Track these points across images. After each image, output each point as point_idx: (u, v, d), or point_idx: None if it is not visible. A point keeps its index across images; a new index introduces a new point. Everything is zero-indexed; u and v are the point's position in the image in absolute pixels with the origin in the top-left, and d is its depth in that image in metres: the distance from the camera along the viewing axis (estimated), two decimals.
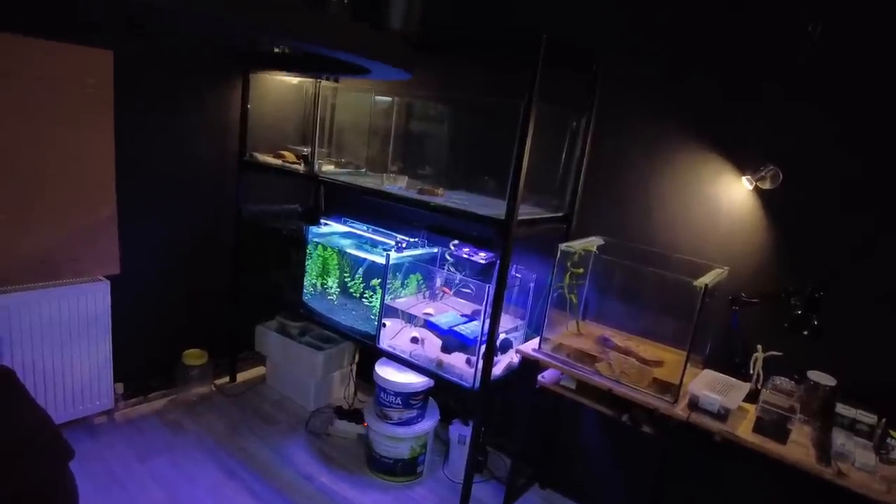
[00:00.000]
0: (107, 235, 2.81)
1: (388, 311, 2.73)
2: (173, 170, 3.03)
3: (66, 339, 2.64)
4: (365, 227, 3.19)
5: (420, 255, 2.87)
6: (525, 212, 2.29)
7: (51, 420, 1.86)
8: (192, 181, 3.13)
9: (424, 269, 2.90)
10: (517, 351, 2.41)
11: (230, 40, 2.36)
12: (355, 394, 3.35)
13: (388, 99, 3.17)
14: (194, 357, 3.22)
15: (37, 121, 2.46)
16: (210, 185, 3.21)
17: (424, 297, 2.95)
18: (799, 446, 1.84)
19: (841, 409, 1.92)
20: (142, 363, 3.13)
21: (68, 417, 2.72)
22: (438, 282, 2.93)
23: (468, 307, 2.85)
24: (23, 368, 2.48)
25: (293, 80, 3.26)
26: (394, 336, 2.72)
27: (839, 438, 1.82)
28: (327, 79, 3.27)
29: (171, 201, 3.06)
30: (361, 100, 3.26)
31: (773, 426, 1.86)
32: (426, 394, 2.76)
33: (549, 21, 2.62)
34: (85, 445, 2.71)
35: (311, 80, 2.94)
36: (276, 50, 2.42)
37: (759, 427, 1.88)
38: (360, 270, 2.91)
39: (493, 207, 2.32)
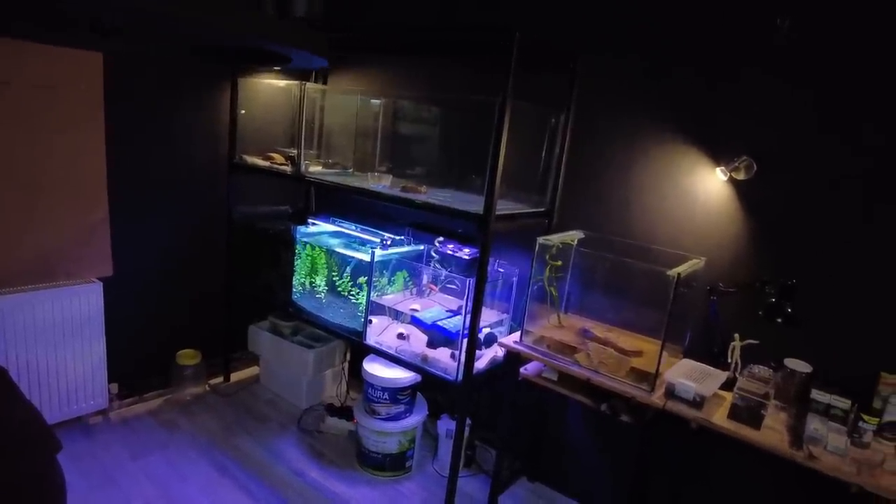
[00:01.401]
0: (99, 238, 2.87)
1: (375, 308, 2.77)
2: (165, 172, 3.09)
3: (60, 340, 2.69)
4: (353, 227, 3.24)
5: (406, 252, 2.91)
6: (505, 207, 2.33)
7: (40, 415, 1.90)
8: (184, 183, 3.19)
9: (411, 266, 2.94)
10: (499, 344, 2.44)
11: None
12: (347, 391, 3.39)
13: (376, 101, 3.22)
14: (188, 357, 3.27)
15: (28, 125, 2.52)
16: (202, 187, 3.27)
17: (411, 294, 2.99)
18: (773, 432, 1.87)
19: (816, 394, 1.93)
20: (136, 363, 3.18)
21: (63, 417, 2.77)
22: (425, 278, 2.96)
23: (454, 302, 2.88)
24: (17, 368, 2.54)
25: (280, 83, 3.32)
26: (381, 332, 2.76)
27: (813, 423, 1.84)
28: (315, 79, 3.34)
29: (163, 203, 3.12)
30: (348, 101, 3.31)
31: (748, 412, 1.89)
32: (413, 389, 2.79)
33: (527, 19, 2.67)
34: (79, 444, 2.76)
35: (298, 82, 2.99)
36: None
37: (734, 413, 1.91)
38: (348, 269, 2.95)
39: (477, 204, 2.35)
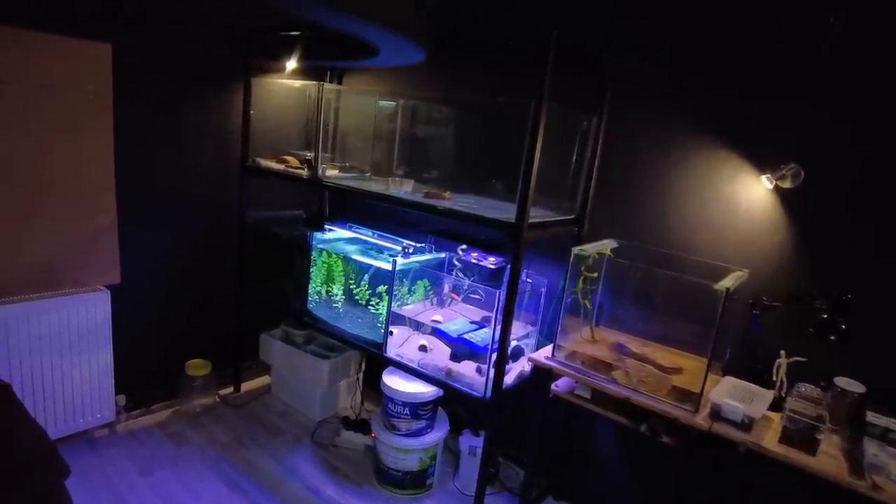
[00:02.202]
0: (107, 244, 2.75)
1: (395, 318, 2.66)
2: (175, 176, 2.98)
3: (66, 351, 2.58)
4: (370, 233, 3.12)
5: (427, 260, 2.79)
6: (536, 214, 2.21)
7: (47, 437, 1.78)
8: (194, 187, 3.08)
9: (432, 275, 2.83)
10: (529, 359, 2.32)
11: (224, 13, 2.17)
12: (362, 403, 3.28)
13: (392, 102, 3.11)
14: (197, 367, 3.15)
15: (35, 127, 2.40)
16: (212, 191, 3.16)
17: (432, 304, 2.88)
18: (829, 457, 1.75)
19: (872, 417, 1.83)
20: (144, 374, 3.06)
21: (68, 431, 2.66)
22: (446, 288, 2.85)
23: (477, 314, 2.77)
24: (21, 381, 2.43)
25: (295, 83, 3.21)
26: (401, 344, 2.65)
27: (871, 449, 1.73)
28: (329, 80, 3.22)
29: (172, 208, 3.01)
30: (365, 103, 3.20)
31: (801, 436, 1.77)
32: (435, 404, 2.68)
33: (557, 21, 2.56)
34: (86, 459, 2.65)
35: (313, 83, 2.88)
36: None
37: (786, 437, 1.80)
38: (366, 277, 2.84)
39: (502, 210, 2.24)
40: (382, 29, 1.58)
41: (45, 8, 2.22)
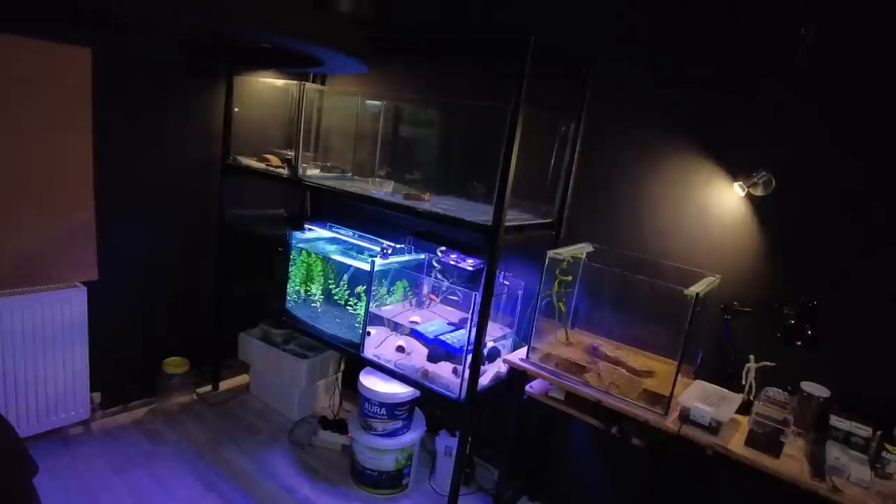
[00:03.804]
0: (84, 240, 2.73)
1: (373, 318, 2.66)
2: (155, 173, 2.96)
3: (41, 348, 2.55)
4: (351, 233, 3.13)
5: (406, 261, 2.80)
6: (513, 218, 2.23)
7: (14, 432, 1.77)
8: (175, 185, 3.06)
9: (411, 276, 2.84)
10: (504, 360, 2.34)
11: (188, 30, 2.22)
12: (340, 403, 3.27)
13: (377, 102, 3.12)
14: (175, 365, 3.14)
15: (10, 122, 2.38)
16: (193, 189, 3.14)
17: (411, 305, 2.89)
18: (793, 460, 1.79)
19: (835, 421, 1.87)
20: (121, 371, 3.04)
21: (42, 428, 2.64)
22: (425, 289, 2.86)
23: (455, 315, 2.78)
24: None
25: (277, 82, 3.20)
26: (379, 345, 2.65)
27: (833, 452, 1.76)
28: (312, 80, 3.22)
29: (152, 205, 2.99)
30: (348, 103, 3.20)
31: (767, 439, 1.81)
32: (412, 404, 2.69)
33: (538, 25, 2.58)
34: (59, 458, 2.62)
35: (296, 82, 2.88)
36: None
37: (752, 440, 1.83)
38: (345, 277, 2.84)
39: (482, 213, 2.26)
40: (327, 49, 1.66)
41: (27, 11, 2.21)
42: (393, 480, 2.69)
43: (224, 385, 3.51)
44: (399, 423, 2.64)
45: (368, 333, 2.62)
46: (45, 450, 2.63)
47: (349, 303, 2.84)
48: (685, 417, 1.92)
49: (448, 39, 2.51)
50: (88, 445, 2.76)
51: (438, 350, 2.47)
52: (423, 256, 2.86)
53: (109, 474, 2.59)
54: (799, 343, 1.93)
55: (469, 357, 2.24)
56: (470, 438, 2.65)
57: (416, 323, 2.64)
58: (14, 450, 1.70)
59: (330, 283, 2.89)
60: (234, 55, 2.58)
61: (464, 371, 2.27)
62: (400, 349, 2.57)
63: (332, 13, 1.95)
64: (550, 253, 2.22)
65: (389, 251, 2.76)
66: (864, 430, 1.82)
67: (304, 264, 2.94)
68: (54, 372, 2.62)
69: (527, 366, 2.22)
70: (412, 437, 2.68)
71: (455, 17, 2.86)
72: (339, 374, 3.35)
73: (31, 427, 2.57)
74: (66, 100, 2.52)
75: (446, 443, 2.70)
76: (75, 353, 2.68)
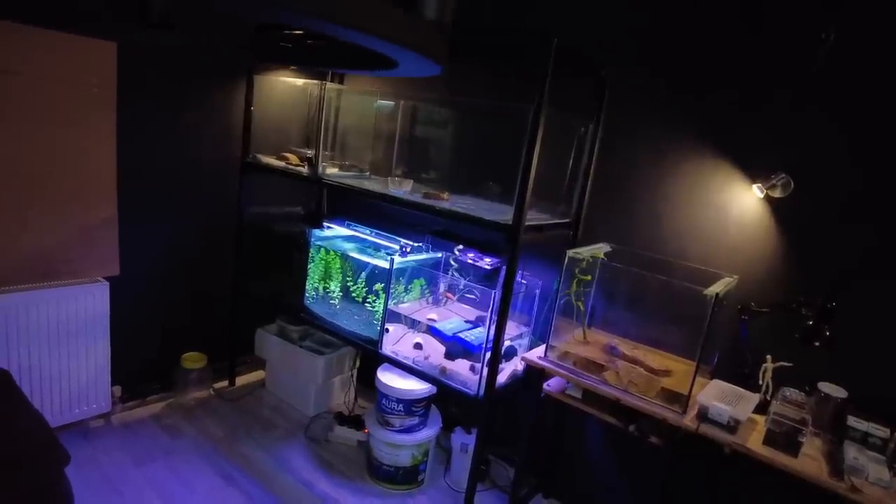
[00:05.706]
0: (107, 236, 2.77)
1: (391, 316, 2.70)
2: (176, 171, 3.00)
3: (64, 341, 2.60)
4: (368, 231, 3.16)
5: (424, 259, 2.83)
6: (532, 217, 2.26)
7: (46, 423, 1.81)
8: (195, 182, 3.10)
9: (428, 274, 2.86)
10: (522, 359, 2.37)
11: (255, 20, 2.21)
12: (356, 399, 3.31)
13: (393, 103, 3.15)
14: (193, 360, 3.18)
15: (37, 119, 2.42)
16: (212, 186, 3.18)
17: (428, 303, 2.92)
18: (811, 459, 1.81)
19: (853, 421, 1.88)
20: (140, 366, 3.08)
21: (65, 421, 2.68)
22: (442, 287, 2.89)
23: (472, 313, 2.81)
24: (19, 370, 2.44)
25: (298, 81, 3.24)
26: (396, 342, 2.68)
27: (851, 452, 1.78)
28: (331, 80, 3.25)
29: (172, 202, 3.03)
30: (366, 102, 3.23)
31: (784, 439, 1.83)
32: (429, 401, 2.72)
33: (557, 28, 2.60)
34: (81, 450, 2.66)
35: (315, 81, 2.91)
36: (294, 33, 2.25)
37: (770, 439, 1.85)
38: (363, 274, 2.87)
39: (499, 212, 2.29)
40: (409, 51, 1.63)
41: (56, 6, 2.24)
42: (409, 476, 2.72)
43: (240, 381, 3.55)
44: (416, 420, 2.67)
45: (387, 330, 2.65)
46: (68, 442, 2.62)
47: (367, 300, 2.87)
48: (703, 416, 1.94)
49: (471, 41, 2.53)
50: (109, 438, 2.80)
51: (456, 347, 2.49)
52: (440, 255, 2.89)
53: (130, 467, 2.63)
54: (817, 344, 1.95)
55: (487, 355, 2.27)
56: (486, 436, 2.68)
57: (434, 320, 2.67)
58: (47, 440, 1.74)
59: (348, 281, 2.92)
60: (313, 56, 2.52)
61: (482, 368, 2.30)
62: (417, 346, 2.60)
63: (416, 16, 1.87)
64: (570, 252, 2.24)
65: (408, 249, 2.79)
66: (881, 431, 1.84)
67: (323, 262, 2.97)
68: (77, 365, 2.66)
69: (545, 364, 2.25)
70: (428, 433, 2.71)
71: (470, 17, 2.88)
72: (355, 371, 3.38)
73: (54, 419, 2.61)
74: (91, 98, 2.56)
75: (462, 440, 2.72)
76: (97, 347, 2.72)
